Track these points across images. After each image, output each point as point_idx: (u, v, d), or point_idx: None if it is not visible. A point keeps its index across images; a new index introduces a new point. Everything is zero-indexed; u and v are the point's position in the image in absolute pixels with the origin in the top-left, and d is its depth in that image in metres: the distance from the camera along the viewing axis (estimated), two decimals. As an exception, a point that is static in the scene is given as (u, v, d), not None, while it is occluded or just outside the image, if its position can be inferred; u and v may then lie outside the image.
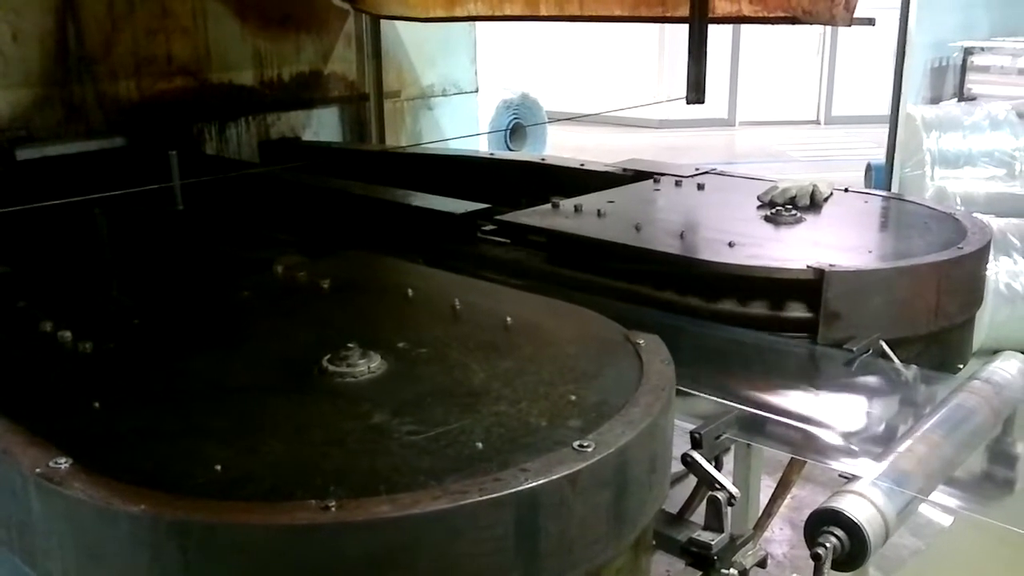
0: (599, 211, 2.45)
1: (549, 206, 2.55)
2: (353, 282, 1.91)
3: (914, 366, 1.89)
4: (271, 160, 3.90)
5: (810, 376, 1.91)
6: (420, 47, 4.44)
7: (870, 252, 2.10)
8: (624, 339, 1.55)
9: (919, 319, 2.00)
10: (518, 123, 6.72)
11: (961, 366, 2.17)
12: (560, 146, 8.97)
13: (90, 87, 3.43)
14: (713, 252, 2.10)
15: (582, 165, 3.22)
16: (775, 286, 1.98)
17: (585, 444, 1.18)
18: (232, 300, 1.79)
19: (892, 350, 1.92)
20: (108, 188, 3.04)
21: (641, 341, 1.52)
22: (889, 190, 4.23)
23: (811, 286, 1.94)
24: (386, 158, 3.79)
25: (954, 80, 10.22)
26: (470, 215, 2.56)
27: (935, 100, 9.72)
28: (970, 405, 1.70)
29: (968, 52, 9.87)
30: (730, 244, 2.13)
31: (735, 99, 11.71)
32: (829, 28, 11.73)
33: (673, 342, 2.05)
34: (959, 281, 2.05)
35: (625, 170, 3.07)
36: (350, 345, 1.46)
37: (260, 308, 1.77)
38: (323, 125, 4.12)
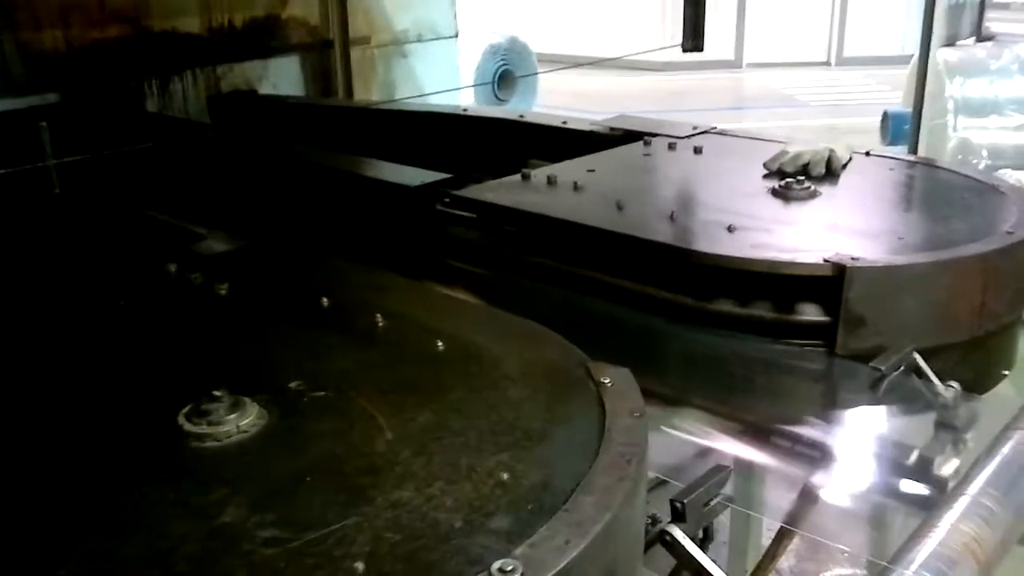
0: (575, 184, 2.07)
1: (518, 177, 2.17)
2: (258, 286, 1.55)
3: (954, 385, 1.52)
4: (223, 116, 3.52)
5: (825, 401, 1.56)
6: (391, -13, 4.01)
7: (900, 239, 1.72)
8: (585, 374, 1.18)
9: (960, 323, 1.64)
10: (507, 70, 6.26)
11: (1007, 372, 1.80)
12: (556, 91, 8.52)
13: (8, 37, 3.03)
14: (708, 239, 1.73)
15: (564, 123, 2.83)
16: (784, 283, 1.61)
17: (509, 569, 0.82)
18: (96, 315, 1.43)
19: (927, 360, 1.56)
20: (26, 154, 2.66)
21: (606, 379, 1.16)
22: (915, 146, 3.82)
23: (829, 284, 1.57)
24: (350, 114, 3.39)
25: (971, 18, 9.70)
26: (426, 188, 2.18)
27: (951, 40, 9.20)
28: (1031, 448, 1.34)
29: (988, -12, 9.31)
30: (729, 229, 1.75)
31: (742, 39, 11.17)
32: (842, -38, 11.14)
33: (659, 350, 1.71)
34: (1009, 275, 1.68)
35: (613, 129, 2.68)
36: (217, 393, 1.09)
37: (130, 327, 1.40)
38: (282, 76, 3.71)
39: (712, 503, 1.20)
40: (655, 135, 2.52)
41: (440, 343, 1.28)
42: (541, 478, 0.98)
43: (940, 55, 4.79)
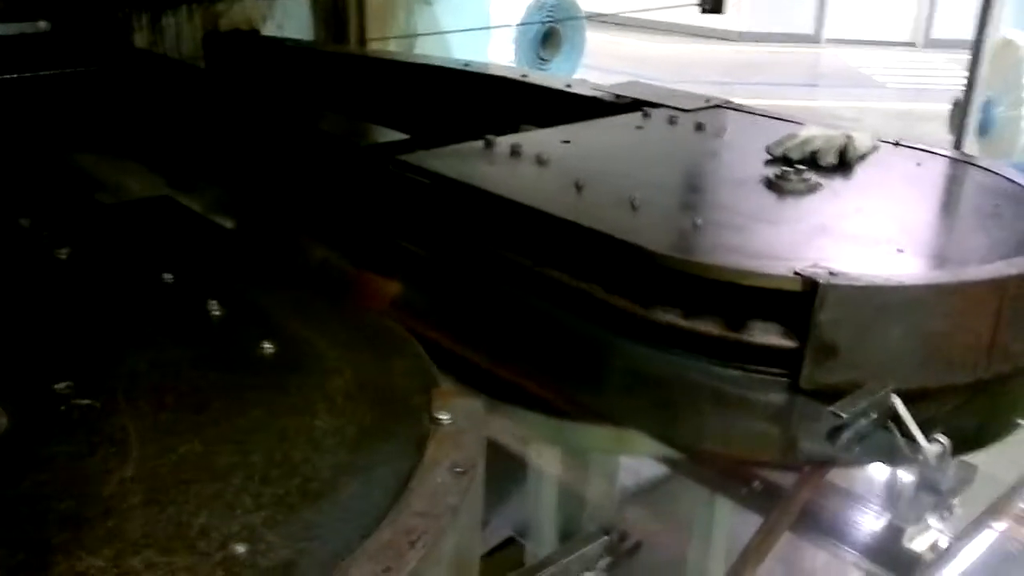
0: (540, 157, 1.78)
1: (481, 144, 1.90)
2: (103, 252, 1.31)
3: (941, 440, 1.22)
4: (220, 58, 3.29)
5: (772, 449, 1.27)
6: (417, -74, 3.72)
7: (900, 251, 1.40)
8: (424, 404, 0.92)
9: (963, 361, 1.32)
10: (553, 27, 5.90)
11: (1022, 421, 1.48)
12: (619, 55, 8.14)
13: (-16, -43, 2.83)
14: (661, 235, 1.44)
15: (568, 86, 2.53)
16: (743, 297, 1.32)
17: None
18: None
19: (915, 405, 1.26)
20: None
21: (445, 415, 0.89)
22: (959, 139, 3.41)
23: (797, 302, 1.28)
24: (348, 61, 3.13)
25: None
26: (376, 149, 1.93)
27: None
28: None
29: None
30: (695, 224, 1.46)
31: (823, 13, 10.56)
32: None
33: (582, 361, 1.44)
34: (1032, 306, 1.35)
35: (619, 97, 2.37)
36: (-56, 393, 0.86)
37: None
38: (290, 17, 3.46)
39: (579, 583, 0.93)
40: (661, 106, 2.22)
41: (269, 345, 1.02)
42: (286, 558, 0.72)
43: (1022, 37, 4.31)
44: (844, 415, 1.17)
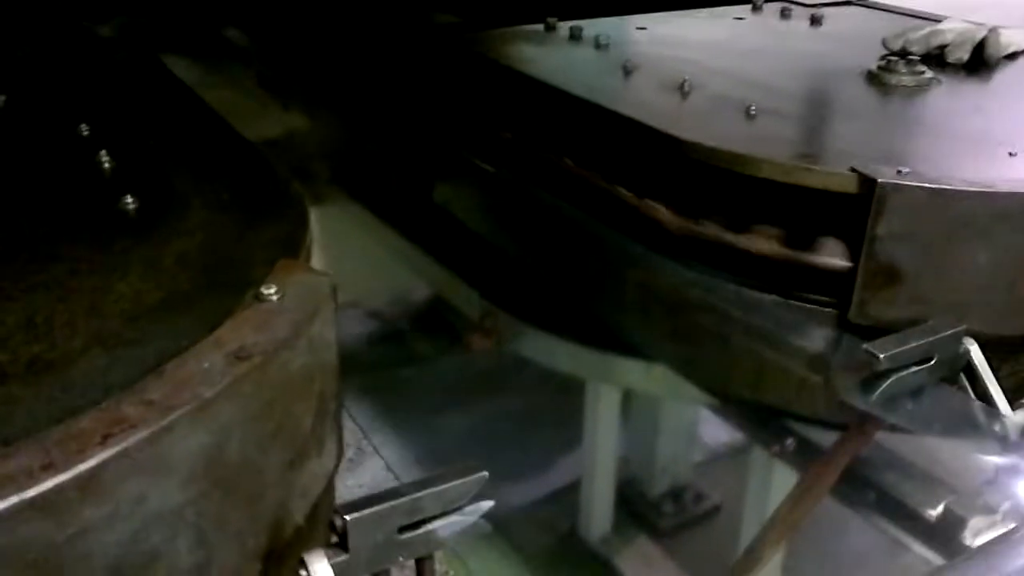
0: (599, 41, 1.51)
1: (541, 27, 1.64)
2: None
3: (1031, 404, 0.90)
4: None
5: (802, 393, 0.99)
6: None
7: (1012, 155, 1.06)
8: (260, 274, 0.71)
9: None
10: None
11: None
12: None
13: None
14: (699, 122, 1.14)
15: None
16: (785, 200, 1.02)
17: None
18: None
19: (993, 359, 0.94)
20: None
21: (273, 290, 0.68)
22: None
23: (853, 207, 0.97)
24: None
25: None
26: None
27: None
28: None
29: None
30: (748, 112, 1.16)
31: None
32: None
33: (594, 275, 1.19)
34: None
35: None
36: None
37: None
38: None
39: (431, 526, 0.70)
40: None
41: (131, 200, 0.84)
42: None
43: None
44: (882, 355, 0.87)
